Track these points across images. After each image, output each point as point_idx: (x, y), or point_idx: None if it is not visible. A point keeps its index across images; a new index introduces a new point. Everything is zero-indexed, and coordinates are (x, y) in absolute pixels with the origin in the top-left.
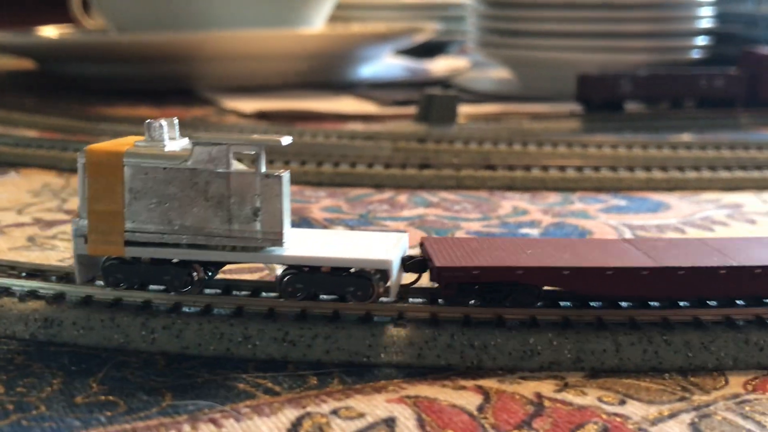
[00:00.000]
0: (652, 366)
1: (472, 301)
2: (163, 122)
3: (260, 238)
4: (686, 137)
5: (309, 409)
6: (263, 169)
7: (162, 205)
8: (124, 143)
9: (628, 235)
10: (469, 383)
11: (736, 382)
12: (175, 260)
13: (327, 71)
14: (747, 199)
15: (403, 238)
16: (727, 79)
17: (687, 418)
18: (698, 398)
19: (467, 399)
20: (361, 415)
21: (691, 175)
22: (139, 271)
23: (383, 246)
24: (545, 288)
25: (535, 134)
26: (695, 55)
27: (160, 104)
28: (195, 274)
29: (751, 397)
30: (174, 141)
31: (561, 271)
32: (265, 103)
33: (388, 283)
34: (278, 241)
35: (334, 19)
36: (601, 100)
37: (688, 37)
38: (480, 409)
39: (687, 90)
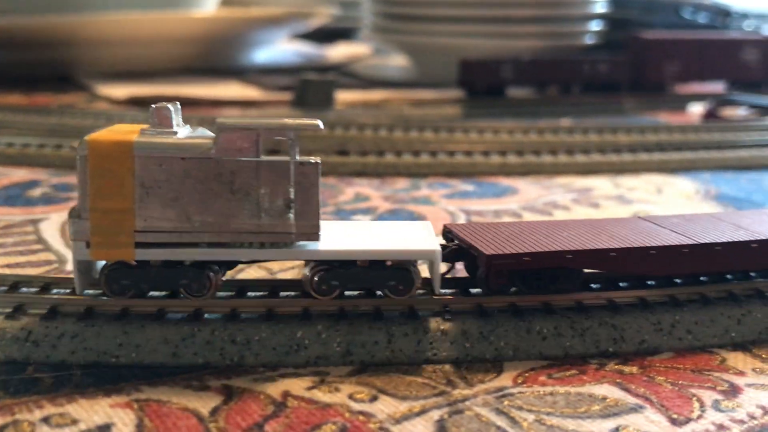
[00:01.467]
0: (425, 358)
1: (514, 289)
2: (171, 106)
3: (294, 233)
4: (565, 122)
5: (18, 416)
6: (297, 156)
7: (180, 200)
8: (128, 131)
9: (462, 220)
10: (217, 383)
11: (508, 375)
12: (188, 262)
13: (215, 56)
14: (600, 183)
15: (428, 225)
16: (612, 64)
17: (437, 414)
18: (459, 393)
19: (205, 401)
20: (75, 422)
21: (547, 159)
22: (149, 276)
23: (419, 235)
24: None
25: (412, 120)
26: (588, 40)
27: (31, 91)
28: (212, 275)
29: (516, 390)
30: (180, 128)
31: (608, 253)
32: (142, 89)
33: (430, 275)
34: (314, 234)
35: (233, 3)
36: (482, 85)
37: (581, 23)
38: (213, 411)
39: (571, 75)
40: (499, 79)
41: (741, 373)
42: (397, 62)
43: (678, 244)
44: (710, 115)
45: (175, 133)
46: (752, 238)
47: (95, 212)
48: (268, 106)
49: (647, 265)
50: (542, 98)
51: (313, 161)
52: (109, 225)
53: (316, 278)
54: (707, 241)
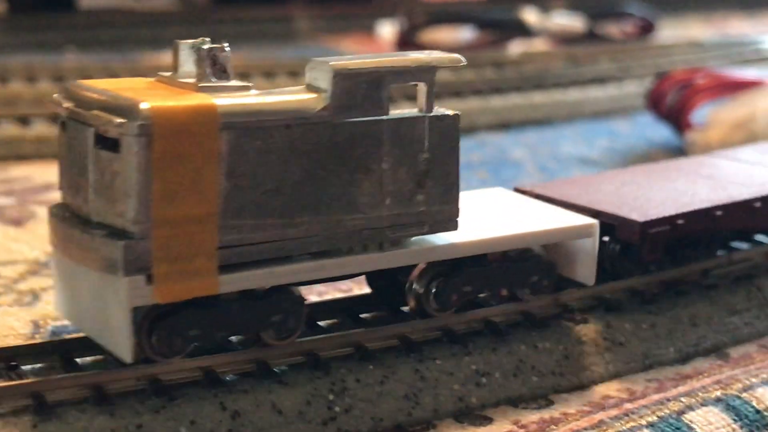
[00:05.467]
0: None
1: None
2: (226, 45)
3: (425, 222)
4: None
5: None
6: (434, 108)
7: (281, 192)
8: (169, 90)
9: None
10: None
11: None
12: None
13: None
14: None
15: (509, 192)
16: None
17: None
18: None
19: None
20: None
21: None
22: (228, 317)
23: (530, 206)
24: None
25: None
26: None
27: None
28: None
29: None
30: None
31: (752, 204)
32: None
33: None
34: (452, 222)
35: None
36: None
37: None
38: None
39: None
40: None
41: None
42: None
43: None
44: (405, 42)
45: (248, 87)
46: None
47: (164, 226)
48: None
49: None
50: (147, 14)
51: (451, 113)
52: (182, 243)
53: (434, 288)
54: None
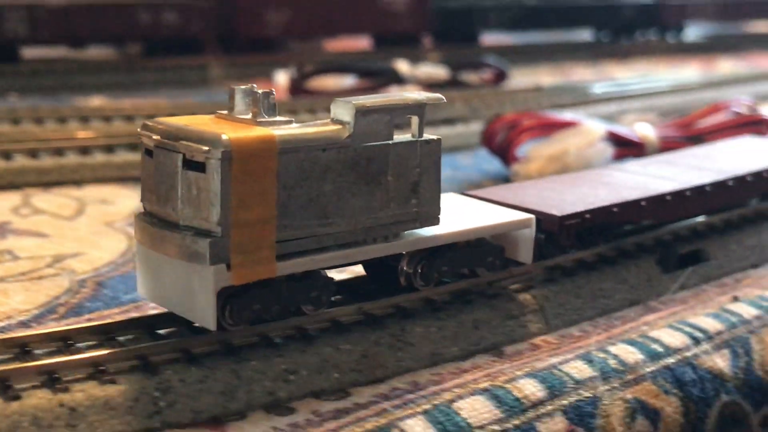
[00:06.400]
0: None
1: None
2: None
3: (417, 219)
4: (97, 101)
5: None
6: (423, 134)
7: (319, 200)
8: (232, 124)
9: None
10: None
11: None
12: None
13: None
14: None
15: (458, 196)
16: (186, 11)
17: None
18: None
19: None
20: None
21: None
22: (280, 294)
23: (479, 207)
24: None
25: None
26: None
27: None
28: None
29: None
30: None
31: (639, 203)
32: None
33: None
34: (436, 219)
35: None
36: None
37: None
38: None
39: (122, 28)
40: (7, 33)
41: None
42: None
43: (699, 184)
44: (296, 88)
45: (291, 121)
46: (753, 170)
47: (239, 226)
48: None
49: (673, 209)
50: (85, 63)
51: (435, 138)
52: (251, 239)
53: (420, 269)
54: (722, 179)
